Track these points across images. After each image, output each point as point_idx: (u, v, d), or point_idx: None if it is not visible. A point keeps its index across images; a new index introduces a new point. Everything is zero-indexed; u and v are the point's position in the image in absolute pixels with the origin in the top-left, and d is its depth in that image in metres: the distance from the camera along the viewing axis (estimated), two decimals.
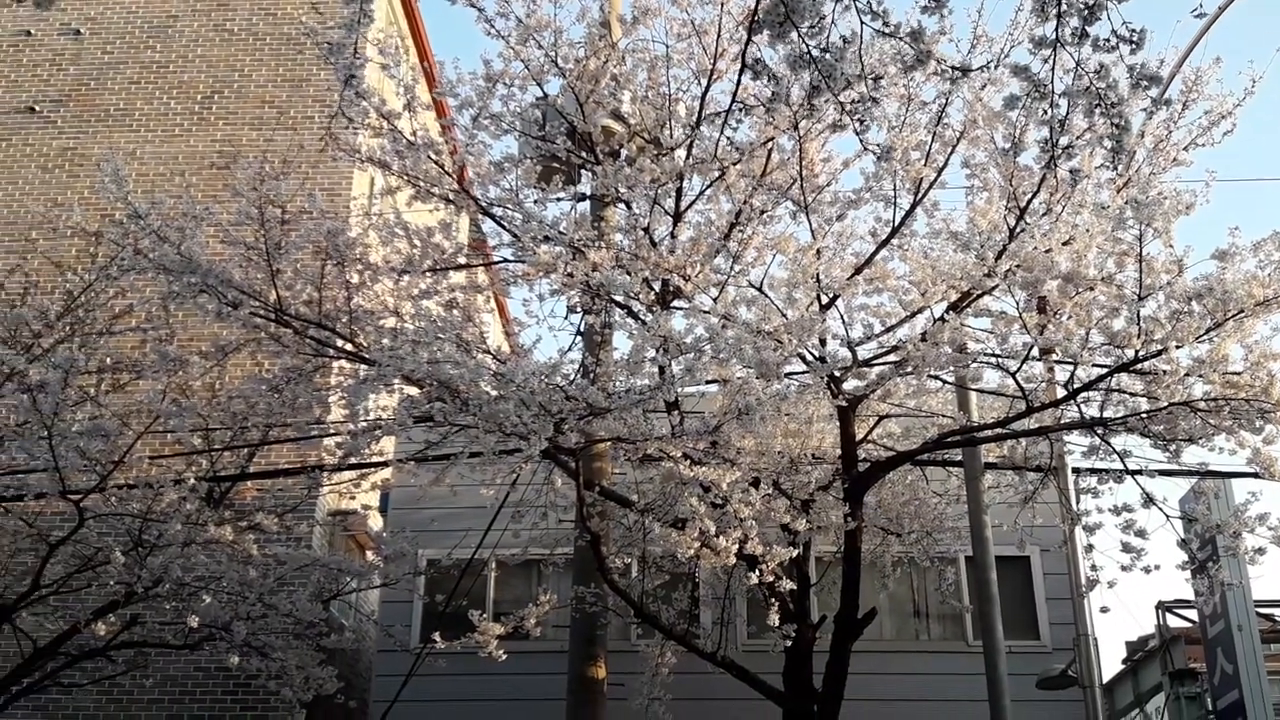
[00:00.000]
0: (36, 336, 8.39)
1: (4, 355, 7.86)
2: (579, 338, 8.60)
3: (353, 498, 11.49)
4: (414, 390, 7.56)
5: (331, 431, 9.00)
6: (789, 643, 7.63)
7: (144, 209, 7.38)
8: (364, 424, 7.87)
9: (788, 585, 7.16)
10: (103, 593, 9.08)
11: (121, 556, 8.04)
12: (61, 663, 9.17)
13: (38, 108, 14.12)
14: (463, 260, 8.28)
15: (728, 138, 7.09)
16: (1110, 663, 14.49)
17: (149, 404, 8.36)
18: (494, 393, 6.98)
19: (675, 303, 7.69)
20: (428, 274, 8.05)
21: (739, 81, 6.70)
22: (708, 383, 7.29)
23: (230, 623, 8.82)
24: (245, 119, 13.83)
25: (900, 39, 3.74)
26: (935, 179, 7.66)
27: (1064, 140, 5.30)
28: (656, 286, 7.71)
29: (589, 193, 8.71)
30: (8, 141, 13.98)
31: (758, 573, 7.01)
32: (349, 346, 7.84)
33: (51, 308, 8.52)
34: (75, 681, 9.73)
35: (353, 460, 8.70)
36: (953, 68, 3.86)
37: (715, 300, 7.31)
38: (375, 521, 11.95)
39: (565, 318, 8.30)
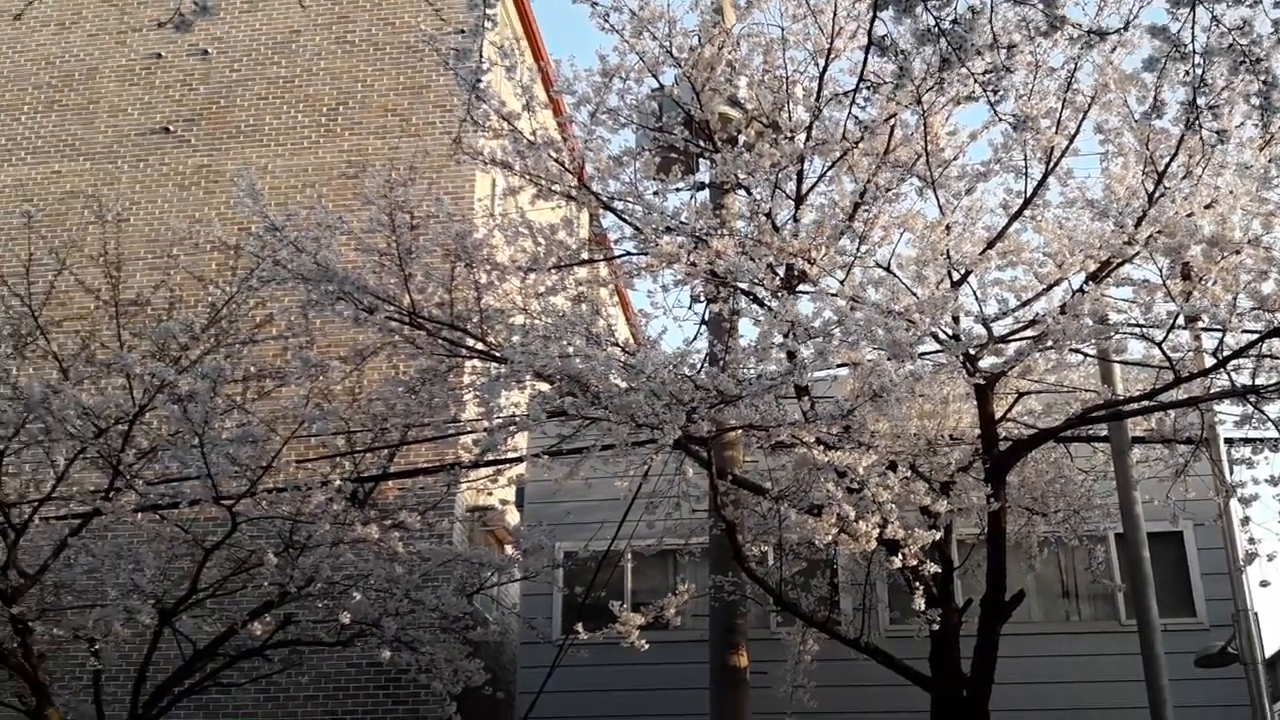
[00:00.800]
0: (184, 349, 8.67)
1: (154, 368, 8.18)
2: (704, 327, 8.59)
3: (489, 493, 11.68)
4: (545, 385, 7.64)
5: (467, 429, 9.17)
6: (934, 627, 7.50)
7: (280, 221, 7.61)
8: (498, 421, 7.99)
9: (931, 569, 7.04)
10: (257, 594, 9.38)
11: (274, 558, 8.30)
12: (221, 663, 9.46)
13: (172, 128, 14.66)
14: (585, 255, 8.33)
15: (854, 117, 6.98)
16: (1273, 638, 13.91)
17: (293, 409, 8.62)
18: (624, 385, 7.01)
19: (801, 287, 7.60)
20: (553, 270, 8.12)
21: (865, 60, 6.60)
22: (838, 366, 7.19)
23: (380, 619, 9.02)
24: (370, 128, 14.16)
25: (1031, 5, 3.62)
26: (1067, 147, 7.42)
27: (1205, 100, 5.08)
28: (781, 271, 7.64)
29: (708, 181, 8.68)
30: (145, 162, 14.55)
31: (899, 557, 6.91)
32: (480, 345, 7.97)
33: (196, 320, 8.81)
34: (234, 681, 10.05)
35: (489, 457, 8.86)
36: (1088, 32, 3.72)
37: (842, 282, 7.21)
38: (512, 516, 12.13)
39: (689, 307, 8.29)
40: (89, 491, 8.94)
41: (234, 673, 9.78)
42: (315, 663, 11.06)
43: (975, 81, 3.66)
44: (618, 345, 7.67)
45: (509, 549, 11.93)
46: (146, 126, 14.77)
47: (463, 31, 7.53)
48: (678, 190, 8.30)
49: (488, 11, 5.57)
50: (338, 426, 8.65)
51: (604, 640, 8.56)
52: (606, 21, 7.65)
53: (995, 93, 3.84)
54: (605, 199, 7.94)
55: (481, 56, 6.45)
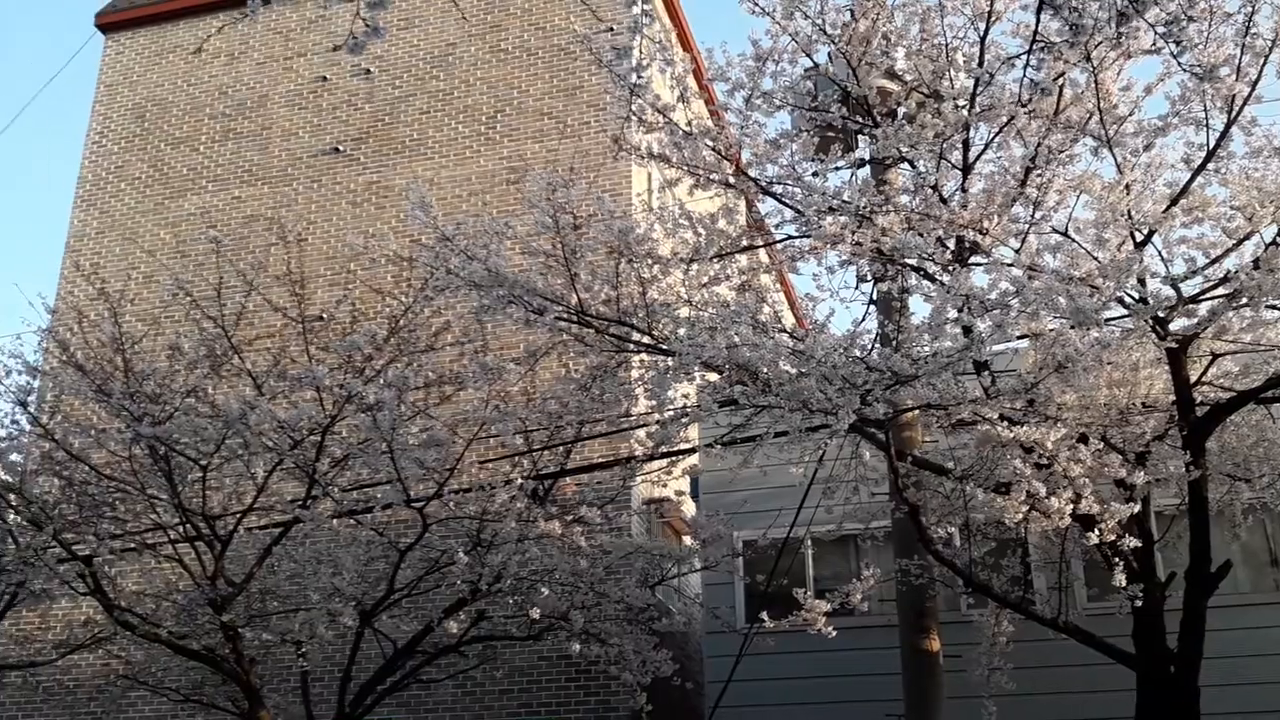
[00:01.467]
0: (368, 359, 8.96)
1: (342, 380, 8.49)
2: (873, 306, 8.43)
3: (665, 485, 11.75)
4: (714, 376, 7.62)
5: (640, 423, 9.23)
6: (1137, 604, 7.21)
7: (450, 231, 7.81)
8: (670, 413, 8.02)
9: (1131, 543, 6.76)
10: (450, 592, 9.60)
11: (464, 557, 8.51)
12: (419, 660, 9.76)
13: (341, 148, 15.22)
14: (746, 242, 8.27)
15: (1030, 80, 6.75)
16: None
17: (473, 412, 8.83)
18: (794, 371, 6.94)
19: (973, 259, 7.38)
20: (715, 260, 8.09)
21: (1038, 19, 6.35)
22: (1018, 338, 6.97)
23: (568, 612, 9.17)
24: (528, 133, 14.42)
25: None
26: (1249, 94, 6.98)
27: None
28: (951, 244, 7.42)
29: (869, 157, 8.50)
30: (318, 182, 15.15)
31: (1096, 533, 6.66)
32: (647, 340, 8.00)
33: (378, 332, 9.08)
34: (433, 677, 10.35)
35: (663, 449, 8.90)
36: None
37: (1018, 251, 6.98)
38: (688, 507, 12.18)
39: (856, 287, 8.13)
40: (288, 501, 9.32)
41: (432, 669, 10.08)
42: (508, 657, 11.34)
43: (1155, 33, 3.48)
44: (785, 331, 7.60)
45: (687, 539, 11.99)
46: (317, 148, 15.37)
47: (611, 29, 7.58)
48: (837, 169, 8.11)
49: (644, 8, 5.58)
50: (516, 427, 8.80)
51: (789, 628, 8.52)
52: (757, 5, 7.57)
53: (1177, 44, 3.65)
54: (764, 184, 7.86)
55: (641, 52, 6.47)
